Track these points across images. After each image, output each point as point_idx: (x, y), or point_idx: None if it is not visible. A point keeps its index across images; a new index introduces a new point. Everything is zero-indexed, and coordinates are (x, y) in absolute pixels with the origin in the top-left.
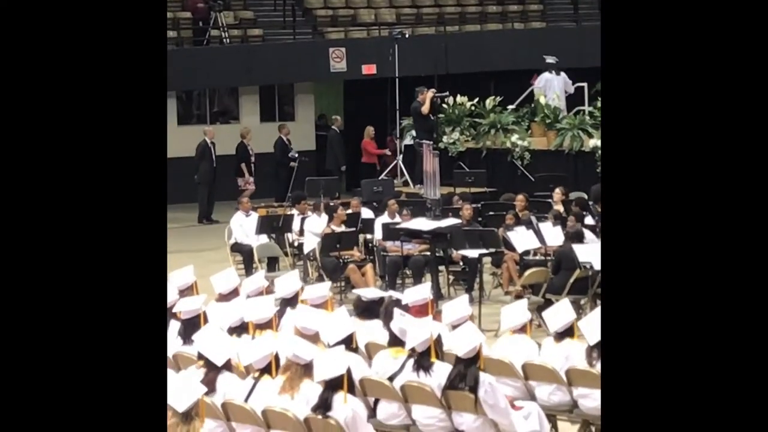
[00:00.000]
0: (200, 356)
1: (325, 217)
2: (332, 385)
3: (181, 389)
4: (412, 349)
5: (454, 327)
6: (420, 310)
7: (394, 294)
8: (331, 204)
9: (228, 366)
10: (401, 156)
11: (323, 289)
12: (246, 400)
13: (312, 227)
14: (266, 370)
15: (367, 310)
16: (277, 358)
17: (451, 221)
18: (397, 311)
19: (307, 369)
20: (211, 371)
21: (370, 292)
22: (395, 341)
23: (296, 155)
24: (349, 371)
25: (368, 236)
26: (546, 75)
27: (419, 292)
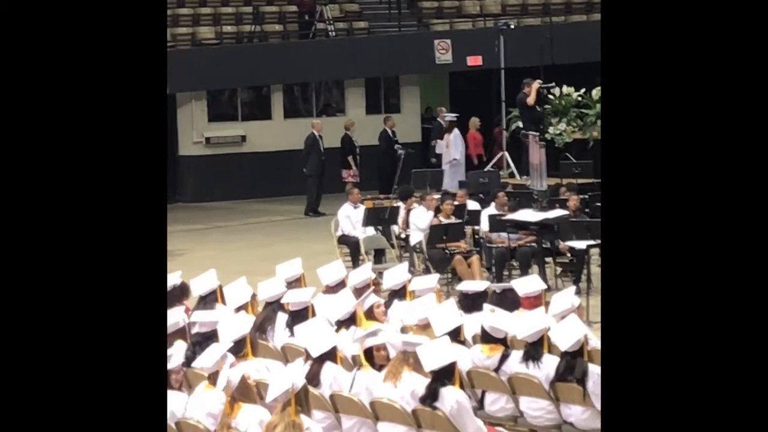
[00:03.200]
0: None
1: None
2: (440, 376)
3: (279, 379)
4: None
5: (562, 318)
6: (533, 302)
7: (501, 285)
8: (445, 194)
9: (332, 357)
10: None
11: (432, 280)
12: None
13: (418, 219)
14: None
15: (471, 302)
16: (384, 348)
17: (557, 212)
18: (487, 307)
19: (410, 358)
20: (316, 363)
21: (475, 284)
22: (487, 338)
23: (401, 147)
24: (456, 363)
25: (475, 228)
26: None
27: (532, 284)
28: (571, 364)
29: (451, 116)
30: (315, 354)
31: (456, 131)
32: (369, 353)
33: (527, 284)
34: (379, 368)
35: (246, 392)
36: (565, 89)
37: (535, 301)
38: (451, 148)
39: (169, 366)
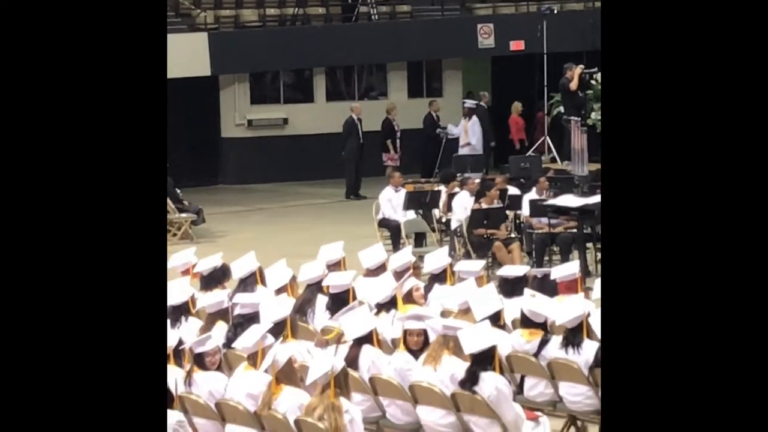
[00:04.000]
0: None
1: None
2: (480, 360)
3: (319, 362)
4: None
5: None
6: (569, 287)
7: (542, 270)
8: (487, 180)
9: (369, 340)
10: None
11: (477, 265)
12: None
13: (459, 203)
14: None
15: (511, 287)
16: (425, 332)
17: (598, 198)
18: (527, 292)
19: (450, 342)
20: (354, 346)
21: (515, 269)
22: (527, 322)
23: (444, 131)
24: (496, 347)
25: (516, 213)
26: None
27: (568, 269)
28: None
29: (471, 103)
30: (350, 337)
31: (474, 118)
32: (404, 336)
33: (564, 269)
34: (412, 353)
35: (290, 374)
36: None
37: (572, 284)
38: (469, 133)
39: (205, 348)
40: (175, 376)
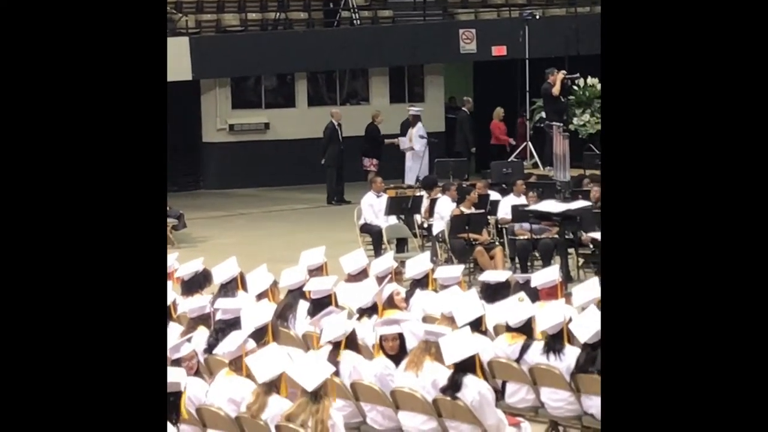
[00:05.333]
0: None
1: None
2: (462, 367)
3: (311, 368)
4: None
5: (583, 310)
6: (549, 293)
7: (523, 276)
8: (464, 186)
9: (352, 346)
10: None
11: (456, 271)
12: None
13: (441, 209)
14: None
15: (493, 292)
16: (401, 336)
17: (580, 203)
18: (514, 297)
19: (432, 347)
20: (334, 351)
21: (497, 274)
22: (511, 326)
23: (424, 137)
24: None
25: (499, 216)
26: None
27: (548, 275)
28: (592, 355)
29: (415, 110)
30: (323, 341)
31: (419, 125)
32: (380, 342)
33: (544, 275)
34: (391, 358)
35: (276, 383)
36: (590, 80)
37: (552, 291)
38: (414, 139)
39: (180, 353)
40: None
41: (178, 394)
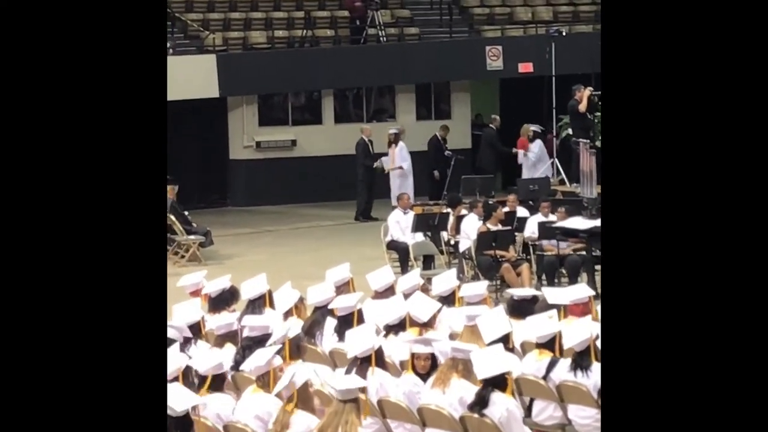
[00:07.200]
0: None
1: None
2: (490, 384)
3: (344, 380)
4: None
5: None
6: (581, 310)
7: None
8: (490, 203)
9: (379, 362)
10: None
11: (481, 287)
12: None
13: (468, 226)
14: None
15: (520, 308)
16: (433, 356)
17: None
18: (544, 314)
19: (459, 364)
20: (361, 367)
21: (525, 291)
22: (540, 342)
23: (451, 154)
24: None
25: (525, 235)
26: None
27: (580, 291)
28: None
29: (394, 130)
30: (351, 354)
31: (401, 143)
32: (411, 360)
33: (575, 291)
34: (420, 376)
35: (305, 399)
36: None
37: (584, 308)
38: (397, 158)
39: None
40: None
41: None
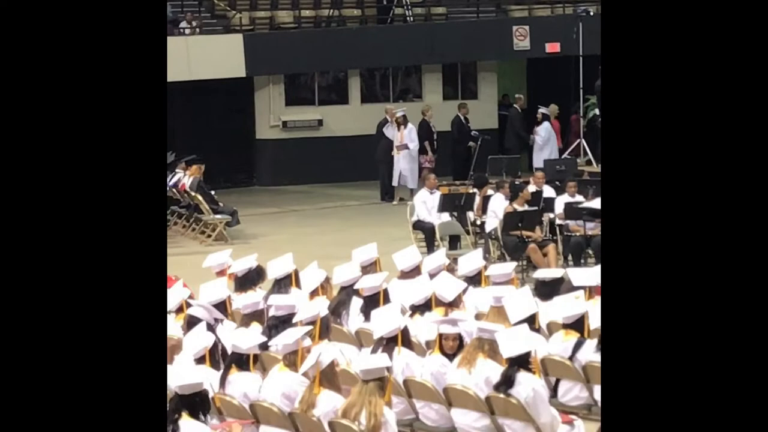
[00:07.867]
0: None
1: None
2: (516, 363)
3: (368, 360)
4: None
5: None
6: None
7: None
8: (517, 183)
9: (405, 342)
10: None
11: (508, 267)
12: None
13: (495, 206)
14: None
15: (548, 289)
16: (460, 336)
17: None
18: (571, 294)
19: (485, 344)
20: (387, 347)
21: (552, 272)
22: (567, 323)
23: (478, 134)
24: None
25: (551, 215)
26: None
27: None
28: None
29: (400, 112)
30: (377, 334)
31: (410, 125)
32: (439, 340)
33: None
34: (447, 356)
35: (331, 378)
36: None
37: None
38: (406, 139)
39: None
40: (210, 378)
41: (203, 393)
